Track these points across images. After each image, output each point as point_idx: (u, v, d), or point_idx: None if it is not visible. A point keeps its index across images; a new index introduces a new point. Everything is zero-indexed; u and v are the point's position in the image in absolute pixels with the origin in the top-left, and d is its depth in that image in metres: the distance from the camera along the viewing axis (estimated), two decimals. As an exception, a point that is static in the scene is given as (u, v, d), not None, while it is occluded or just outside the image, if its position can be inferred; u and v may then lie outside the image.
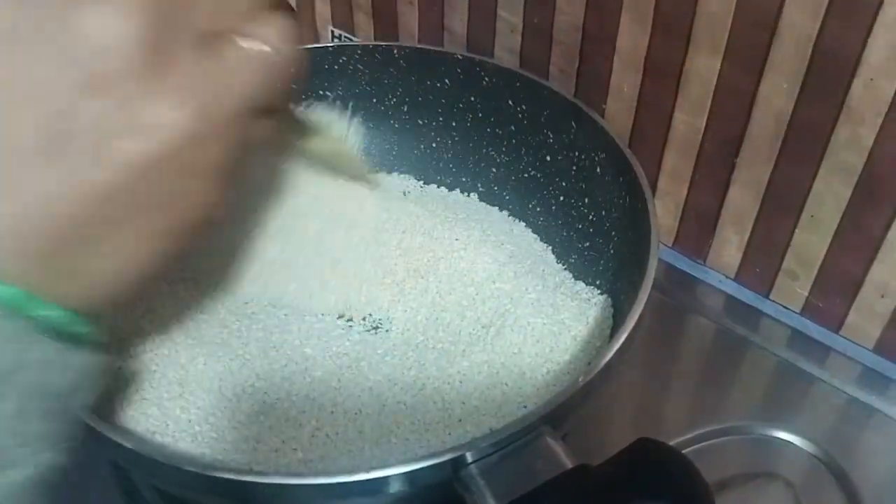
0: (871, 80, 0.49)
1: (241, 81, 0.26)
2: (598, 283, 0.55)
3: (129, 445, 0.37)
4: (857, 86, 0.50)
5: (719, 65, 0.55)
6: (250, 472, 0.36)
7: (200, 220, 0.27)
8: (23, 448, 0.23)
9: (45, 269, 0.23)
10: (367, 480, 0.35)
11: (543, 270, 0.55)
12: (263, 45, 0.26)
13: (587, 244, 0.58)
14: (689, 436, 0.52)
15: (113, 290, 0.26)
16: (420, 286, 0.54)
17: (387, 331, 0.53)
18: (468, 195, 0.65)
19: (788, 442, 0.53)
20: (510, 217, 0.62)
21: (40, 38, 0.22)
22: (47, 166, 0.22)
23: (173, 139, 0.24)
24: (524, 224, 0.62)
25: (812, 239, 0.57)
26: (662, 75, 0.58)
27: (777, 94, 0.53)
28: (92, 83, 0.22)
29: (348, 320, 0.53)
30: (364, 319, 0.53)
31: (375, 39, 0.80)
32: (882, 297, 0.55)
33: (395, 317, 0.53)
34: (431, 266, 0.54)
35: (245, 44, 0.25)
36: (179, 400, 0.47)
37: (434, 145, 0.66)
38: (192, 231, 0.27)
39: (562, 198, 0.60)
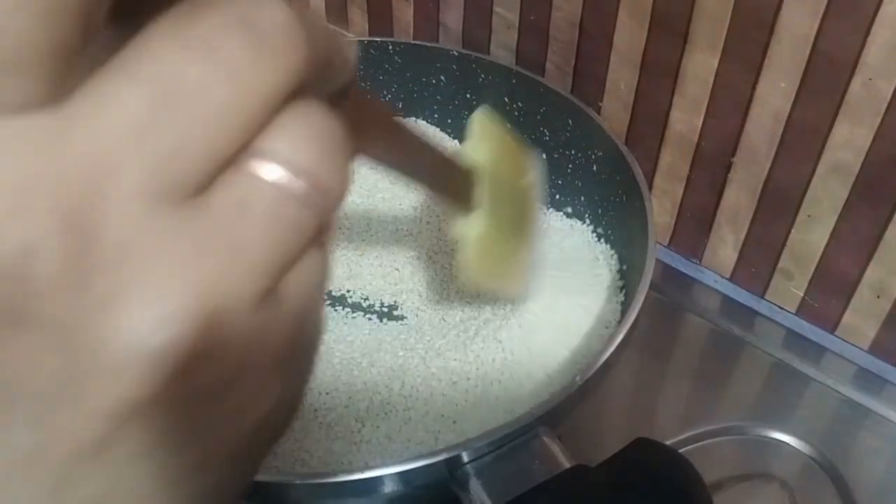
0: (870, 79, 0.49)
1: (254, 242, 0.15)
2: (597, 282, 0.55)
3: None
4: (856, 85, 0.49)
5: (717, 63, 0.55)
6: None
7: (267, 428, 0.18)
8: None
9: None
10: (363, 480, 0.35)
11: (542, 268, 0.55)
12: (284, 169, 0.15)
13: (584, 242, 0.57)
14: (683, 436, 0.52)
15: None
16: (413, 285, 0.53)
17: (385, 321, 0.52)
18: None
19: (783, 442, 0.53)
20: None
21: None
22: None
23: (170, 362, 0.15)
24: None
25: (808, 239, 0.56)
26: (660, 73, 0.58)
27: (775, 93, 0.53)
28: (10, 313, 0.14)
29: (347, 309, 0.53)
30: (363, 311, 0.53)
31: (370, 35, 0.79)
32: (878, 297, 0.55)
33: (395, 314, 0.53)
34: (425, 266, 0.54)
35: (260, 170, 0.15)
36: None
37: (429, 142, 0.66)
38: (261, 446, 0.18)
39: (557, 196, 0.60)
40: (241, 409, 0.17)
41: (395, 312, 0.53)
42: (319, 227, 0.16)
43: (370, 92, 0.41)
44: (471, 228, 0.42)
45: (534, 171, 0.50)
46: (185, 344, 0.15)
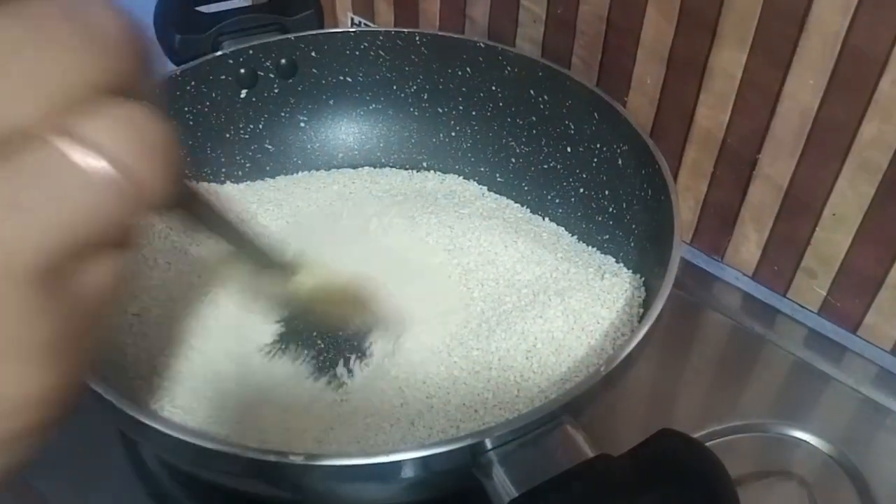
0: (900, 77, 0.48)
1: (42, 211, 0.15)
2: (620, 275, 0.55)
3: (153, 424, 0.37)
4: (885, 83, 0.49)
5: (745, 59, 0.55)
6: (269, 452, 0.36)
7: (12, 432, 0.17)
8: None
9: None
10: (387, 463, 0.35)
11: (565, 263, 0.55)
12: (93, 152, 0.16)
13: (607, 237, 0.57)
14: (703, 432, 0.52)
15: None
16: (442, 274, 0.53)
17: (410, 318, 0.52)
18: (486, 187, 0.64)
19: (803, 441, 0.53)
20: (529, 209, 0.62)
21: None
22: None
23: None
24: (544, 215, 0.61)
25: (832, 238, 0.56)
26: (686, 68, 0.58)
27: (803, 89, 0.53)
28: None
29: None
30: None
31: (395, 26, 0.79)
32: (902, 297, 0.55)
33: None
34: (453, 256, 0.54)
35: (63, 146, 0.15)
36: (189, 379, 0.47)
37: (453, 134, 0.66)
38: (29, 438, 0.17)
39: (582, 189, 0.60)
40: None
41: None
42: (120, 222, 0.16)
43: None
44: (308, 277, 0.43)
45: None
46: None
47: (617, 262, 0.56)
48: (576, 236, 0.59)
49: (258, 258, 0.38)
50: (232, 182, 0.63)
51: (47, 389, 0.17)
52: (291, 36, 0.64)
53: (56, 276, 0.16)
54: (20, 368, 0.16)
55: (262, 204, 0.60)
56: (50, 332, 0.16)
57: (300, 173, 0.65)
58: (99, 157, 0.16)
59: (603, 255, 0.57)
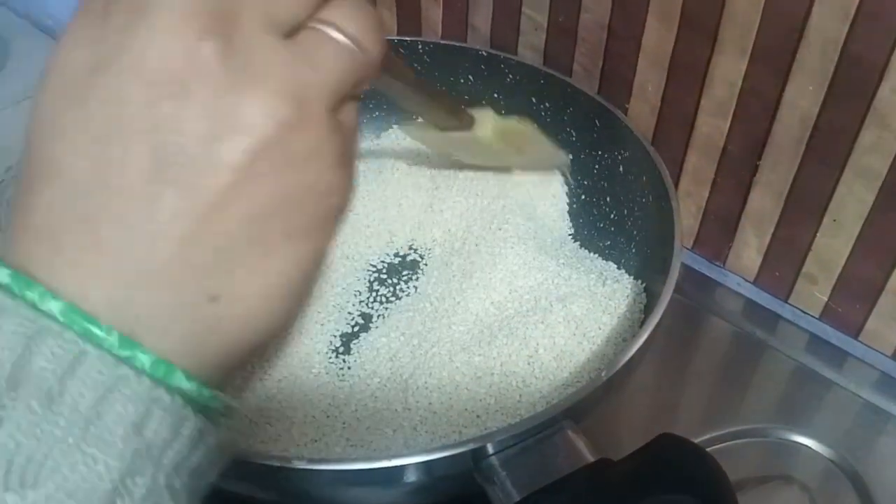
0: (899, 84, 0.49)
1: (325, 68, 0.24)
2: (621, 281, 0.55)
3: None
4: (885, 90, 0.49)
5: (745, 66, 0.55)
6: (272, 456, 0.36)
7: (333, 208, 0.25)
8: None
9: (186, 318, 0.23)
10: (389, 468, 0.35)
11: (566, 269, 0.55)
12: (339, 33, 0.24)
13: (608, 243, 0.58)
14: (705, 437, 0.52)
15: (260, 328, 0.24)
16: (443, 279, 0.54)
17: (410, 316, 0.53)
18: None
19: (805, 446, 0.53)
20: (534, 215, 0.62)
21: (112, 54, 0.22)
22: (159, 190, 0.22)
23: (270, 129, 0.22)
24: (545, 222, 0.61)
25: (833, 243, 0.56)
26: (687, 76, 0.58)
27: (803, 96, 0.53)
28: (170, 93, 0.21)
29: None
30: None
31: (398, 34, 0.80)
32: (902, 303, 0.55)
33: (418, 308, 0.53)
34: (452, 262, 0.55)
35: (326, 30, 0.24)
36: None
37: (456, 141, 0.67)
38: (329, 223, 0.25)
39: (583, 196, 0.60)
40: (316, 183, 0.24)
41: (415, 311, 0.54)
42: (359, 78, 0.25)
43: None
44: (485, 124, 0.52)
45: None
46: (286, 112, 0.22)
47: (618, 268, 0.56)
48: (578, 242, 0.59)
49: (445, 110, 0.49)
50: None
51: (345, 184, 0.25)
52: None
53: (335, 110, 0.24)
54: (331, 165, 0.24)
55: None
56: (342, 144, 0.24)
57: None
58: (344, 36, 0.24)
59: (604, 262, 0.57)
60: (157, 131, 0.21)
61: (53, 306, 0.21)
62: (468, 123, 0.51)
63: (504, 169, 0.60)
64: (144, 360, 0.22)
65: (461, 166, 0.59)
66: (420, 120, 0.53)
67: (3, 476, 0.19)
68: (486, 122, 0.52)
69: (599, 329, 0.51)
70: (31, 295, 0.21)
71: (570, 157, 0.60)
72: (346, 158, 0.25)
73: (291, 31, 0.23)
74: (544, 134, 0.56)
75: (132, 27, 0.22)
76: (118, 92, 0.22)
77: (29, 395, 0.20)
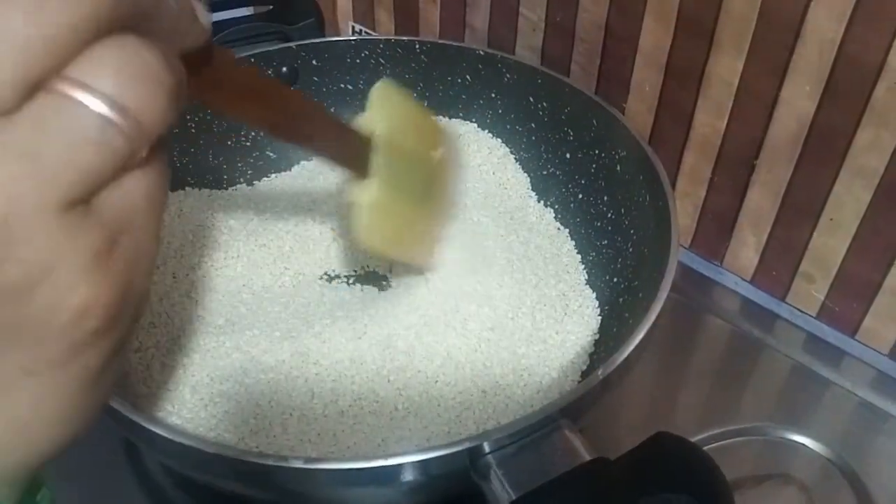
0: (895, 84, 0.49)
1: (55, 150, 0.17)
2: (615, 280, 0.55)
3: (156, 430, 0.37)
4: (881, 90, 0.50)
5: (742, 66, 0.55)
6: (269, 456, 0.36)
7: (90, 328, 0.19)
8: None
9: None
10: (386, 467, 0.36)
11: (562, 265, 0.55)
12: (91, 96, 0.17)
13: (605, 242, 0.58)
14: (702, 436, 0.52)
15: (35, 449, 0.21)
16: (440, 275, 0.54)
17: (407, 317, 0.53)
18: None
19: (802, 444, 0.53)
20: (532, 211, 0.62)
21: None
22: None
23: None
24: (541, 221, 0.62)
25: (830, 242, 0.56)
26: (684, 76, 0.58)
27: (799, 96, 0.53)
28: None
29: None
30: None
31: (396, 35, 0.80)
32: (899, 302, 0.55)
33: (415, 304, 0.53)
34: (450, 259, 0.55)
35: (69, 91, 0.17)
36: (189, 383, 0.47)
37: (453, 141, 0.67)
38: (90, 342, 0.20)
39: (581, 195, 0.60)
40: (56, 306, 0.18)
41: (412, 307, 0.54)
42: (132, 151, 0.18)
43: (245, 61, 0.41)
44: (364, 194, 0.43)
45: (447, 145, 0.51)
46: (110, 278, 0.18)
47: (616, 266, 0.56)
48: (574, 241, 0.59)
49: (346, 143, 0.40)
50: (234, 188, 0.64)
51: (105, 296, 0.19)
52: (293, 44, 0.65)
53: (81, 203, 0.18)
54: (75, 279, 0.18)
55: (265, 210, 0.61)
56: (92, 246, 0.18)
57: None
58: (98, 100, 0.17)
59: (602, 261, 0.57)
60: None
61: None
62: (364, 152, 0.43)
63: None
64: None
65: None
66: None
67: None
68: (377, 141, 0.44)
69: (595, 327, 0.51)
70: None
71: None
72: (112, 257, 0.19)
73: (20, 100, 0.17)
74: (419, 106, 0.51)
75: None
76: None
77: None
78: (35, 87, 0.17)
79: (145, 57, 0.18)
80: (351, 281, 0.57)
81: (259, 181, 0.65)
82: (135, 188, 0.19)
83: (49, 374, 0.19)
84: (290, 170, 0.66)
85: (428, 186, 0.50)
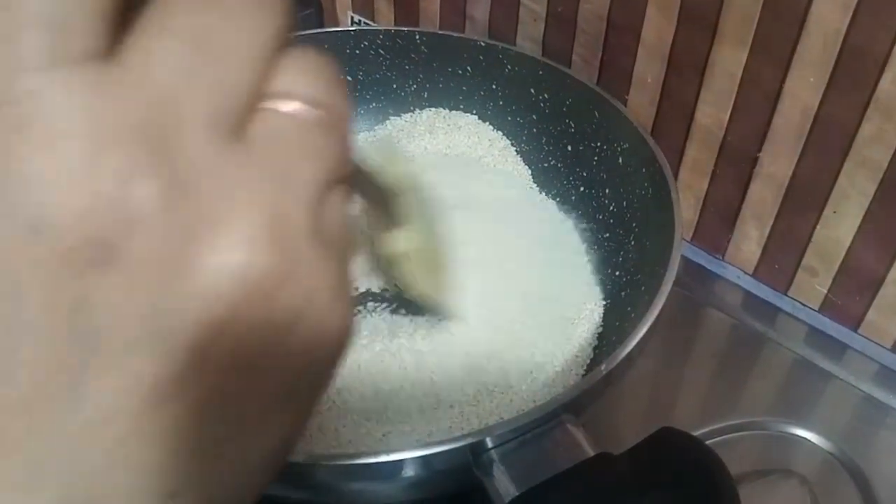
0: (900, 75, 0.48)
1: (298, 168, 0.17)
2: (617, 273, 0.55)
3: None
4: (886, 81, 0.49)
5: (745, 57, 0.55)
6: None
7: (333, 353, 0.19)
8: None
9: None
10: (388, 463, 0.35)
11: (564, 259, 0.55)
12: (299, 102, 0.17)
13: (607, 235, 0.57)
14: (704, 430, 0.52)
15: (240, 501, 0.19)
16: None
17: (405, 314, 0.52)
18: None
19: (804, 439, 0.53)
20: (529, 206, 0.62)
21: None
22: (83, 392, 0.15)
23: (242, 291, 0.16)
24: (544, 213, 0.61)
25: (833, 235, 0.56)
26: (687, 67, 0.58)
27: (803, 88, 0.53)
28: (91, 259, 0.14)
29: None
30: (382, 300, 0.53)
31: (396, 25, 0.79)
32: (902, 295, 0.55)
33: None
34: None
35: (281, 106, 0.17)
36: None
37: (454, 132, 0.66)
38: (328, 372, 0.19)
39: (582, 188, 0.60)
40: (310, 337, 0.17)
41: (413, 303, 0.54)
42: (340, 155, 0.18)
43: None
44: (407, 242, 0.43)
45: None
46: (264, 260, 0.16)
47: (618, 259, 0.56)
48: (576, 235, 0.59)
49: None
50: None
51: (346, 318, 0.18)
52: (292, 35, 0.64)
53: (318, 232, 0.17)
54: (331, 301, 0.17)
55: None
56: (337, 268, 0.18)
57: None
58: (305, 104, 0.17)
59: (604, 254, 0.57)
60: (78, 313, 0.15)
61: None
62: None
63: None
64: None
65: None
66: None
67: None
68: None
69: (596, 321, 0.51)
70: None
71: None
72: (344, 282, 0.18)
73: (239, 124, 0.16)
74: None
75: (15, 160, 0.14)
76: (12, 266, 0.14)
77: None
78: (254, 101, 0.17)
79: (322, 60, 0.18)
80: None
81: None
82: (341, 201, 0.19)
83: (290, 407, 0.19)
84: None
85: (433, 220, 0.48)
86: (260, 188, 0.16)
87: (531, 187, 0.62)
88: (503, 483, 0.36)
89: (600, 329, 0.52)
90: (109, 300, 0.15)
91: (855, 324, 0.58)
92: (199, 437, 0.17)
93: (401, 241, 0.42)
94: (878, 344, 0.58)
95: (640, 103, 0.62)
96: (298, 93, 0.17)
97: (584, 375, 0.49)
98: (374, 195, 0.38)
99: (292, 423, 0.19)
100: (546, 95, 0.61)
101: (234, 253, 0.15)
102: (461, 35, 0.65)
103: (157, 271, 0.15)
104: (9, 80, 0.14)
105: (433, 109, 0.66)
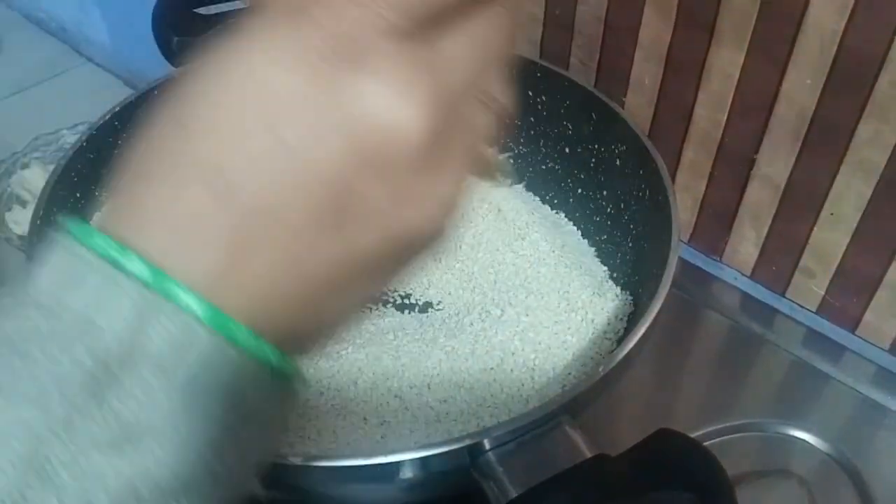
0: (897, 77, 0.49)
1: (483, 140, 0.24)
2: (615, 275, 0.55)
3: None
4: (883, 83, 0.49)
5: (743, 59, 0.55)
6: (268, 453, 0.36)
7: (421, 230, 0.23)
8: (238, 475, 0.23)
9: (289, 324, 0.23)
10: (387, 464, 0.35)
11: (561, 261, 0.55)
12: (497, 98, 0.24)
13: (605, 237, 0.58)
14: (702, 431, 0.52)
15: (336, 330, 0.25)
16: (433, 281, 0.54)
17: (408, 312, 0.52)
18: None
19: (802, 440, 0.53)
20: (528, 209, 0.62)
21: (322, 105, 0.21)
22: (318, 235, 0.21)
23: (438, 212, 0.23)
24: (542, 216, 0.61)
25: (831, 237, 0.56)
26: (684, 69, 0.58)
27: (800, 89, 0.53)
28: (373, 166, 0.21)
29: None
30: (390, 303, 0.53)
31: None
32: (900, 297, 0.55)
33: (415, 300, 0.53)
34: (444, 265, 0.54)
35: (489, 103, 0.24)
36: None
37: (451, 135, 0.66)
38: (415, 243, 0.24)
39: (580, 190, 0.60)
40: (454, 174, 0.23)
41: (414, 304, 0.54)
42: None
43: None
44: None
45: None
46: (434, 112, 0.21)
47: (616, 261, 0.56)
48: (573, 237, 0.59)
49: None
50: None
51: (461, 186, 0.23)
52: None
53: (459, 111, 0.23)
54: (461, 168, 0.23)
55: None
56: (464, 138, 0.23)
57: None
58: (496, 100, 0.24)
59: (602, 256, 0.57)
60: (331, 183, 0.21)
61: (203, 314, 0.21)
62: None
63: None
64: (272, 357, 0.22)
65: None
66: None
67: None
68: None
69: (598, 322, 0.51)
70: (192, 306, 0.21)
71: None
72: (469, 151, 0.24)
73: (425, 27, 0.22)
74: None
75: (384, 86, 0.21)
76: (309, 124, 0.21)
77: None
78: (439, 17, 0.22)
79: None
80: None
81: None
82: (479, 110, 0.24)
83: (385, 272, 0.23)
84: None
85: None
86: (467, 150, 0.23)
87: (528, 190, 0.63)
88: (501, 485, 0.36)
89: (598, 330, 0.52)
90: (366, 194, 0.21)
91: (852, 325, 0.59)
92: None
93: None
94: (876, 345, 0.58)
95: (638, 105, 0.62)
96: (495, 90, 0.24)
97: (582, 377, 0.49)
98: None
99: (369, 286, 0.24)
100: (544, 97, 0.61)
101: (438, 187, 0.22)
102: (459, 37, 0.65)
103: (399, 189, 0.21)
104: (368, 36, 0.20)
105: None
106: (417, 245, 0.23)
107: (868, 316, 0.57)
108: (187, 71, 0.22)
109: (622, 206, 0.56)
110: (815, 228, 0.57)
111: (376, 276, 0.23)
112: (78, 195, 0.53)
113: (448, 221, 0.24)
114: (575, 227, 0.60)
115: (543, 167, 0.62)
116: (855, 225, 0.55)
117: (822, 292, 0.59)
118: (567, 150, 0.61)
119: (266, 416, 0.23)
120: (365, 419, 0.45)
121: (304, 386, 0.25)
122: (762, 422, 0.53)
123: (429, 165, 0.22)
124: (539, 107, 0.62)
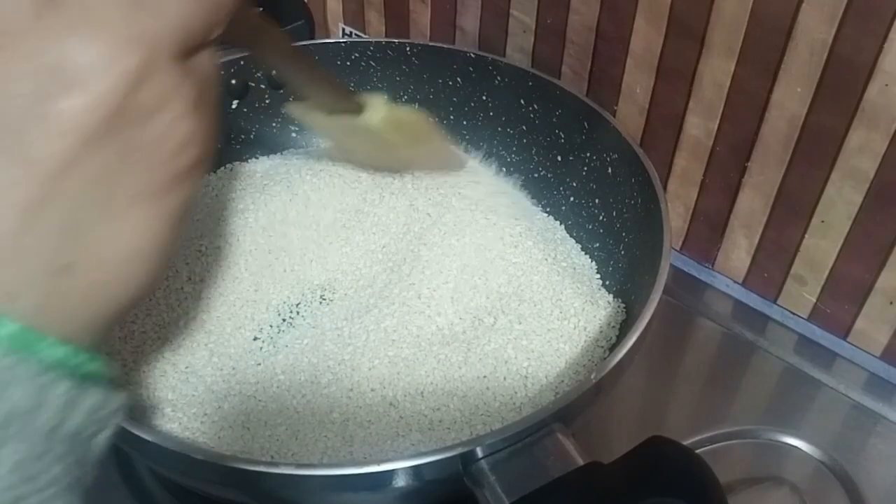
0: (886, 85, 0.49)
1: (167, 11, 0.22)
2: (608, 283, 0.55)
3: (145, 436, 0.37)
4: (872, 91, 0.50)
5: (733, 68, 0.55)
6: (259, 462, 0.36)
7: (190, 162, 0.24)
8: (38, 494, 0.21)
9: (41, 287, 0.21)
10: (378, 473, 0.35)
11: (553, 268, 0.55)
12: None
13: (597, 245, 0.58)
14: (694, 439, 0.52)
15: (123, 292, 0.23)
16: (430, 279, 0.53)
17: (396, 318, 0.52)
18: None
19: (794, 447, 0.53)
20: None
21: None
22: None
23: (109, 81, 0.21)
24: (533, 224, 0.61)
25: (822, 244, 0.56)
26: (676, 77, 0.58)
27: (791, 98, 0.53)
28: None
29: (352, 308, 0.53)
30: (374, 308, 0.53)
31: (387, 37, 0.80)
32: (891, 304, 0.55)
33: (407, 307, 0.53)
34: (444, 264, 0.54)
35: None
36: (179, 389, 0.47)
37: (444, 143, 0.66)
38: (185, 178, 0.24)
39: (572, 198, 0.60)
40: (165, 137, 0.22)
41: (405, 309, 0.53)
42: (208, 22, 0.23)
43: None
44: (375, 114, 0.49)
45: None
46: (128, 61, 0.21)
47: (608, 269, 0.56)
48: (565, 245, 0.59)
49: (331, 93, 0.48)
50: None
51: (202, 134, 0.24)
52: (283, 47, 0.64)
53: (185, 57, 0.23)
54: (183, 112, 0.23)
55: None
56: (194, 90, 0.23)
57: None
58: None
59: (594, 264, 0.57)
60: None
61: None
62: (356, 108, 0.49)
63: (402, 164, 0.58)
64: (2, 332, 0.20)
65: (355, 159, 0.59)
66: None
67: None
68: (378, 108, 0.49)
69: (589, 330, 0.51)
70: None
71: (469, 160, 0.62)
72: (202, 106, 0.24)
73: None
74: (441, 131, 0.56)
75: None
76: None
77: None
78: None
79: None
80: (351, 291, 0.55)
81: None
82: (207, 59, 0.24)
83: (152, 202, 0.23)
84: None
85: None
86: (131, 10, 0.21)
87: (520, 199, 0.63)
88: (494, 493, 0.36)
89: (591, 338, 0.52)
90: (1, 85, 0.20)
91: (844, 332, 0.59)
92: (87, 214, 0.21)
93: (372, 116, 0.49)
94: (867, 352, 0.58)
95: (629, 114, 0.63)
96: None
97: (574, 384, 0.49)
98: (339, 92, 0.48)
99: (158, 217, 0.23)
100: (536, 106, 0.61)
101: (102, 49, 0.20)
102: (451, 46, 0.65)
103: (41, 62, 0.20)
104: None
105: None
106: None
107: (859, 323, 0.58)
108: None
109: (614, 214, 0.56)
110: (807, 236, 0.57)
111: (122, 183, 0.22)
112: None
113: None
114: (567, 235, 0.60)
115: (535, 175, 0.63)
116: (846, 232, 0.55)
117: (814, 299, 0.59)
118: (559, 158, 0.61)
119: (53, 412, 0.21)
120: (357, 426, 0.45)
121: (115, 385, 0.24)
122: (754, 429, 0.53)
123: (65, 24, 0.21)
124: (531, 115, 0.62)
